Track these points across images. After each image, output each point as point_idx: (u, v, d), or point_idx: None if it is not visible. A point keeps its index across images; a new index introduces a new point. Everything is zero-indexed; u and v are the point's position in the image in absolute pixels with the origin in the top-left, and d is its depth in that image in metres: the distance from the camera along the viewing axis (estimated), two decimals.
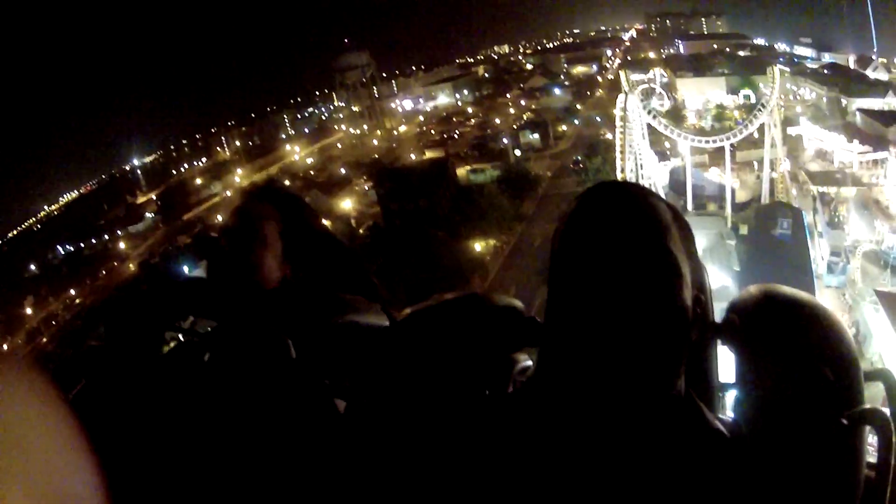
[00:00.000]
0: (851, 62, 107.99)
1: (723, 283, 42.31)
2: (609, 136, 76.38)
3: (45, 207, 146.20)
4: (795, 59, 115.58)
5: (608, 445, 1.41)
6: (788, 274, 41.41)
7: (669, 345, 1.41)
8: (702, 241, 46.87)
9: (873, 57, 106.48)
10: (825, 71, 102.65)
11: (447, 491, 1.49)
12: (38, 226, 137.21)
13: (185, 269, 60.68)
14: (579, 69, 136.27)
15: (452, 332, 1.72)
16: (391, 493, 1.57)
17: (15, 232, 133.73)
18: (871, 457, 1.43)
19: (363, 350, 2.43)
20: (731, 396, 1.74)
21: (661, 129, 58.95)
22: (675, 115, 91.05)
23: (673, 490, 1.38)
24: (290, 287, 2.83)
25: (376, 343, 2.12)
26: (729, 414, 1.64)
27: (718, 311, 1.67)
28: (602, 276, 1.40)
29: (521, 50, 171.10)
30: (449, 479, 1.49)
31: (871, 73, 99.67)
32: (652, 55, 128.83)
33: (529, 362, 1.88)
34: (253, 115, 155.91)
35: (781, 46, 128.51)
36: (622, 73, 63.80)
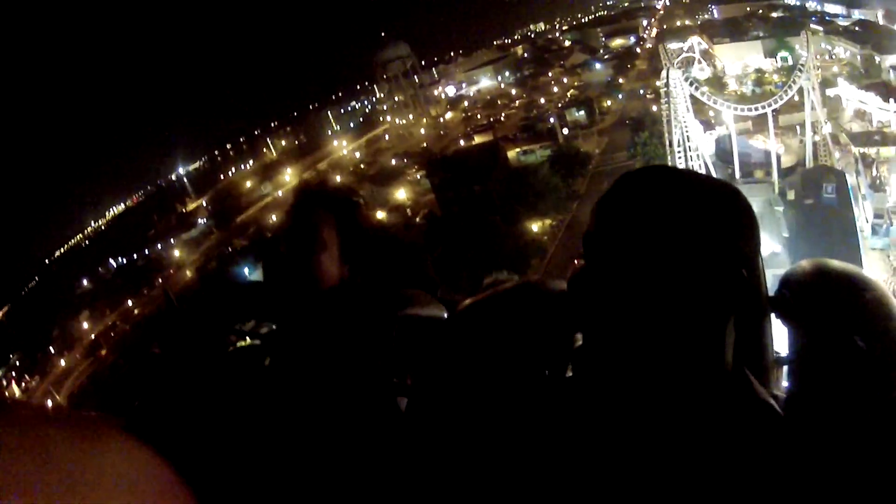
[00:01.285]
0: (880, 18, 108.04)
1: (773, 249, 44.03)
2: (654, 108, 77.79)
3: (93, 223, 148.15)
4: (827, 18, 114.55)
5: (655, 422, 1.43)
6: (836, 238, 43.45)
7: (715, 317, 1.44)
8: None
9: None
10: (856, 28, 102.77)
11: (510, 483, 1.50)
12: (87, 241, 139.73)
13: (245, 271, 62.47)
14: (617, 42, 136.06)
15: (509, 320, 1.78)
16: (454, 488, 1.57)
17: (62, 250, 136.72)
18: None
19: (423, 344, 2.49)
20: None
21: (703, 100, 60.12)
22: (716, 82, 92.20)
23: (723, 463, 1.38)
24: (350, 286, 2.90)
25: (435, 336, 2.13)
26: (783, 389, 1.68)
27: (772, 280, 1.70)
28: (647, 248, 1.40)
29: (557, 26, 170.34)
30: (512, 472, 1.51)
31: None
32: (688, 22, 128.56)
33: None
34: (295, 114, 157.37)
35: (812, 5, 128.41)
36: (660, 48, 65.44)
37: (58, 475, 0.78)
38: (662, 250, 1.37)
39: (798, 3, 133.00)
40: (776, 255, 43.00)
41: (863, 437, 1.34)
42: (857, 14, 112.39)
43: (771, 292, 1.67)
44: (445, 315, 2.62)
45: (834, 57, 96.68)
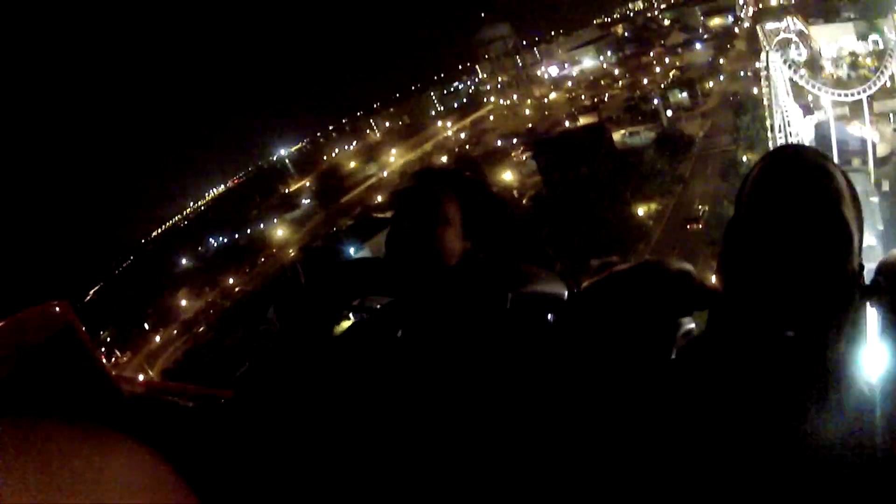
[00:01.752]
0: None
1: (868, 242, 45.57)
2: (755, 90, 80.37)
3: (192, 203, 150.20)
4: None
5: (775, 408, 1.45)
6: None
7: (839, 309, 1.47)
8: None
9: None
10: None
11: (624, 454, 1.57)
12: (185, 222, 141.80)
13: (351, 250, 59.76)
14: (715, 21, 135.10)
15: (631, 301, 1.84)
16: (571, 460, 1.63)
17: (160, 230, 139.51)
18: None
19: (545, 320, 2.47)
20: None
21: (802, 83, 62.12)
22: (813, 65, 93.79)
23: (827, 449, 1.42)
24: (472, 262, 2.83)
25: (559, 313, 2.21)
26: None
27: (866, 272, 1.67)
28: (783, 242, 1.45)
29: (655, 4, 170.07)
30: (623, 442, 1.57)
31: None
32: (782, 1, 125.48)
33: (693, 325, 1.98)
34: (398, 95, 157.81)
35: None
36: (759, 28, 69.68)
37: (59, 477, 0.80)
38: (805, 242, 1.46)
39: None
40: (871, 248, 41.02)
41: None
42: None
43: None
44: (565, 292, 2.65)
45: None
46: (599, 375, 1.69)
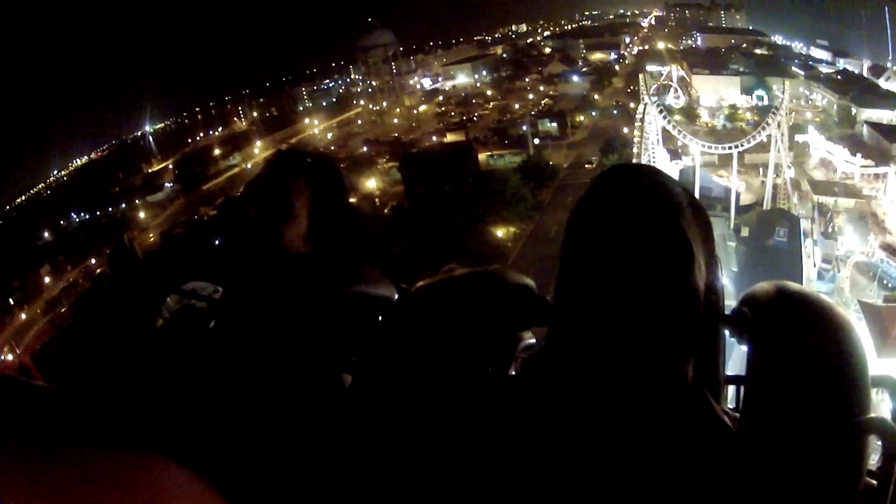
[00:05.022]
0: (865, 70, 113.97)
1: (722, 282, 48.26)
2: (625, 129, 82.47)
3: (55, 172, 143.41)
4: (811, 63, 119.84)
5: (613, 430, 1.47)
6: (781, 277, 44.86)
7: (681, 328, 1.45)
8: None
9: (888, 65, 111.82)
10: (838, 77, 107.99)
11: (448, 467, 1.54)
12: (49, 191, 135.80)
13: (214, 239, 62.27)
14: (597, 56, 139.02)
15: (462, 307, 1.78)
16: (392, 466, 1.59)
17: (24, 197, 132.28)
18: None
19: (372, 322, 2.64)
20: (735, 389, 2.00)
21: (675, 134, 64.58)
22: (689, 112, 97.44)
23: (676, 479, 1.44)
24: (310, 257, 3.05)
25: (385, 315, 2.35)
26: (730, 407, 1.76)
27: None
28: (614, 255, 1.43)
29: (540, 31, 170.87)
30: (450, 455, 1.55)
31: (883, 83, 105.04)
32: (670, 46, 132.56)
33: (533, 340, 2.07)
34: (268, 85, 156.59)
35: (798, 47, 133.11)
36: (641, 77, 69.22)
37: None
38: (640, 256, 1.44)
39: (785, 44, 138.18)
40: (724, 287, 46.05)
41: (810, 463, 1.43)
42: (842, 63, 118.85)
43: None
44: (395, 296, 2.86)
45: (810, 102, 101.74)
46: (421, 381, 1.70)
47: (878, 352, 41.85)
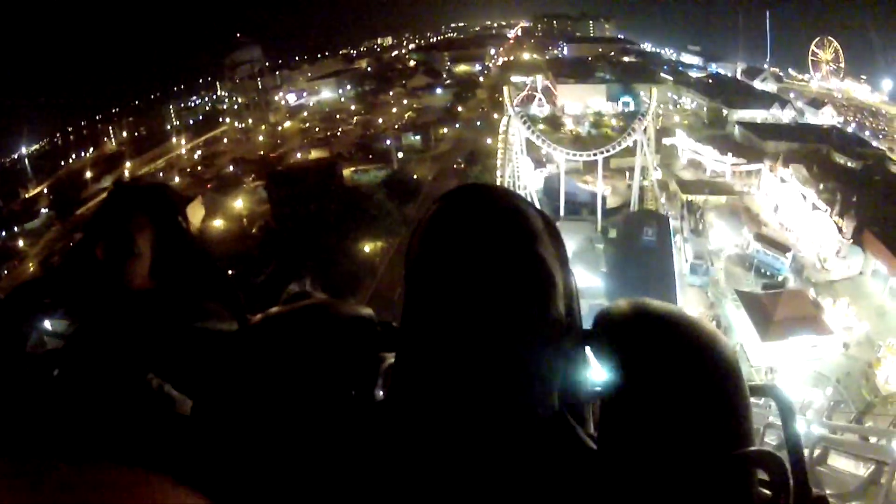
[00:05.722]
0: (738, 73, 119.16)
1: (590, 283, 48.49)
2: (489, 140, 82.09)
3: None
4: (680, 68, 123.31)
5: (470, 465, 1.42)
6: (652, 275, 49.01)
7: (544, 357, 1.44)
8: (571, 244, 52.88)
9: (765, 67, 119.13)
10: (709, 81, 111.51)
11: (301, 494, 1.52)
12: None
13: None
14: (462, 68, 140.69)
15: (300, 337, 1.76)
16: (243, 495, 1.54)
17: None
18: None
19: (214, 354, 2.36)
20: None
21: (539, 144, 64.70)
22: (554, 121, 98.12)
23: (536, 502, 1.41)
24: (153, 293, 3.02)
25: (226, 347, 2.08)
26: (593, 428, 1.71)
27: (587, 309, 1.76)
28: (469, 283, 1.39)
29: (405, 43, 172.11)
30: (301, 483, 1.52)
31: (758, 84, 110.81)
32: (535, 56, 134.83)
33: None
34: (137, 103, 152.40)
35: (668, 53, 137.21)
36: (505, 89, 68.28)
37: None
38: (480, 285, 1.37)
39: (654, 51, 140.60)
40: (592, 288, 48.02)
41: (670, 484, 1.35)
42: (714, 67, 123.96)
43: (586, 323, 1.72)
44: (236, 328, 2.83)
45: (679, 106, 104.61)
46: (260, 409, 1.66)
47: (762, 336, 45.27)
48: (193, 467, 1.62)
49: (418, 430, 1.45)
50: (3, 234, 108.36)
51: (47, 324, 3.04)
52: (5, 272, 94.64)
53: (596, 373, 1.65)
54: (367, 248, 70.49)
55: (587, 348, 1.64)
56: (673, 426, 1.37)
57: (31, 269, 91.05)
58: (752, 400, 1.38)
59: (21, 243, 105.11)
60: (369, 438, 1.51)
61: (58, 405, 2.58)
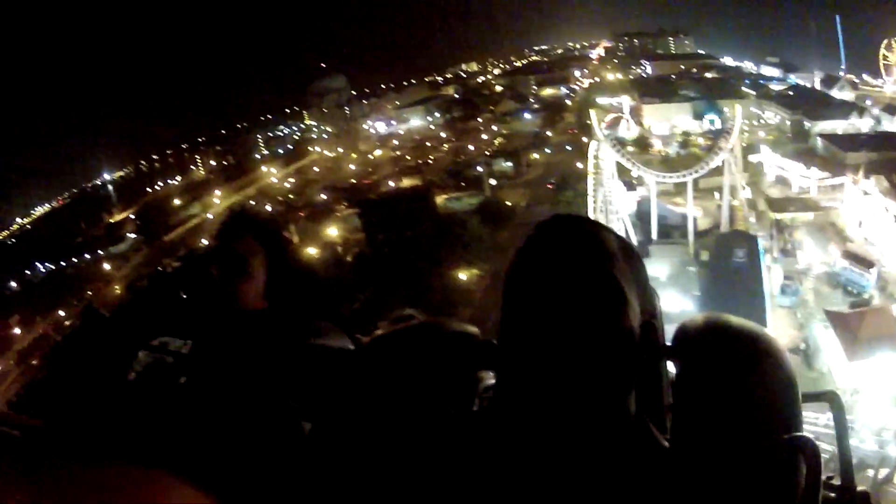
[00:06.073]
0: (817, 82, 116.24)
1: (684, 307, 48.29)
2: (579, 165, 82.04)
3: (18, 220, 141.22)
4: (761, 81, 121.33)
5: (561, 466, 1.54)
6: (743, 297, 48.85)
7: (617, 366, 1.54)
8: (665, 268, 55.85)
9: (840, 74, 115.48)
10: (789, 93, 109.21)
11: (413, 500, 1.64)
12: (13, 239, 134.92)
13: (179, 293, 62.29)
14: (548, 91, 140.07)
15: (410, 355, 1.91)
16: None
17: None
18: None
19: (329, 371, 2.68)
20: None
21: (629, 166, 65.04)
22: (642, 142, 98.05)
23: (620, 500, 1.52)
24: (267, 314, 3.28)
25: (340, 365, 2.43)
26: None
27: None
28: (553, 303, 1.53)
29: (490, 68, 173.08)
30: (411, 493, 1.64)
31: (836, 93, 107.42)
32: (619, 76, 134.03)
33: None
34: (224, 132, 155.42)
35: (748, 66, 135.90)
36: (592, 113, 69.30)
37: None
38: (575, 302, 1.54)
39: (735, 65, 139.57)
40: (686, 312, 44.61)
41: (739, 484, 1.52)
42: (792, 78, 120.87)
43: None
44: (350, 346, 3.03)
45: (763, 121, 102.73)
46: (374, 427, 1.82)
47: (849, 356, 44.04)
48: (308, 474, 1.99)
49: (518, 432, 1.61)
50: (88, 257, 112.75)
51: (163, 341, 3.21)
52: (90, 293, 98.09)
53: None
54: (463, 275, 70.94)
55: (668, 360, 1.88)
56: (729, 423, 1.57)
57: (118, 291, 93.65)
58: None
59: (107, 266, 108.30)
60: (472, 443, 1.70)
61: (183, 413, 2.84)
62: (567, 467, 1.53)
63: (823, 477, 1.62)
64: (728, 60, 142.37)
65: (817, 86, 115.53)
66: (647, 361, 1.68)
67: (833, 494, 1.77)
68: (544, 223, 1.73)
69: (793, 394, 1.63)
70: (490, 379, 1.99)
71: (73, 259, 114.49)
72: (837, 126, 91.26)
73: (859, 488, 1.75)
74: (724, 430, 1.56)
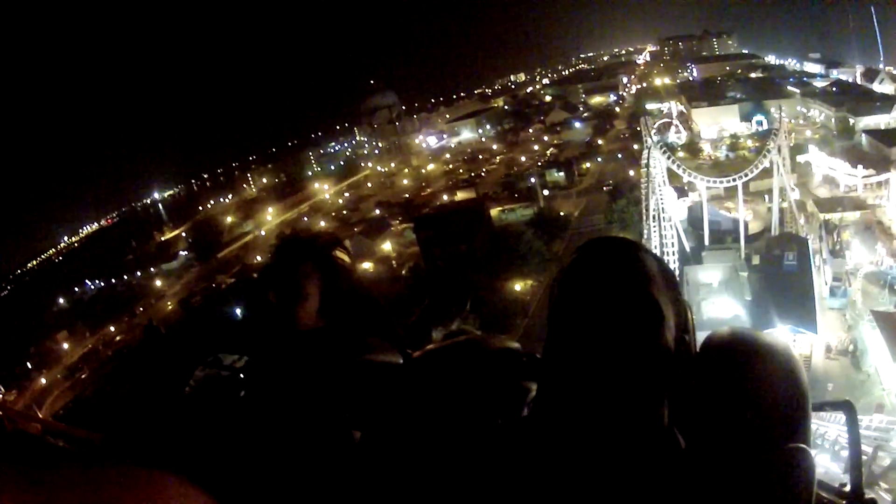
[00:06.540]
0: (858, 76, 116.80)
1: (735, 312, 50.88)
2: (631, 172, 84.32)
3: (66, 238, 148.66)
4: (805, 79, 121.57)
5: (598, 475, 1.61)
6: (794, 301, 49.33)
7: (654, 381, 1.61)
8: (717, 274, 57.43)
9: (880, 67, 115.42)
10: (833, 89, 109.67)
11: None
12: (60, 257, 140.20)
13: (233, 309, 63.66)
14: (597, 99, 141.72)
15: (453, 369, 2.03)
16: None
17: (36, 262, 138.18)
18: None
19: (380, 385, 2.64)
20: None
21: (679, 172, 65.45)
22: (692, 147, 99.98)
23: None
24: (322, 331, 3.40)
25: (391, 378, 2.40)
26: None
27: None
28: (595, 321, 1.60)
29: (538, 78, 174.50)
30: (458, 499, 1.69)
31: (877, 87, 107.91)
32: (667, 80, 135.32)
33: None
34: (274, 150, 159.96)
35: (791, 63, 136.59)
36: (642, 121, 69.37)
37: None
38: (615, 320, 1.61)
39: (778, 63, 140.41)
40: (738, 317, 49.64)
41: (746, 490, 1.58)
42: (835, 73, 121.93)
43: None
44: (401, 361, 3.13)
45: (809, 120, 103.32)
46: (422, 437, 1.88)
47: (894, 356, 42.93)
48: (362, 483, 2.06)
49: (560, 440, 1.68)
50: (139, 274, 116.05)
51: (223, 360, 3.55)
52: (141, 309, 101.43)
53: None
54: (518, 286, 72.14)
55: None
56: (723, 431, 1.66)
57: (170, 307, 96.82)
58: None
59: (158, 283, 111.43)
60: (516, 452, 1.76)
61: (240, 425, 3.07)
62: (603, 474, 1.64)
63: (836, 484, 1.95)
64: (771, 59, 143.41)
65: (859, 80, 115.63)
66: (680, 375, 1.77)
67: (843, 502, 2.03)
68: (586, 246, 1.87)
69: (797, 404, 1.76)
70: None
71: (124, 276, 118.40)
72: (881, 121, 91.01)
73: (868, 496, 1.99)
74: (719, 436, 1.70)
